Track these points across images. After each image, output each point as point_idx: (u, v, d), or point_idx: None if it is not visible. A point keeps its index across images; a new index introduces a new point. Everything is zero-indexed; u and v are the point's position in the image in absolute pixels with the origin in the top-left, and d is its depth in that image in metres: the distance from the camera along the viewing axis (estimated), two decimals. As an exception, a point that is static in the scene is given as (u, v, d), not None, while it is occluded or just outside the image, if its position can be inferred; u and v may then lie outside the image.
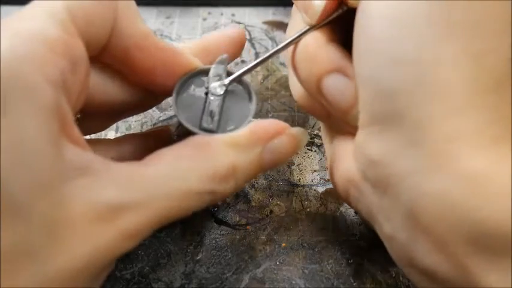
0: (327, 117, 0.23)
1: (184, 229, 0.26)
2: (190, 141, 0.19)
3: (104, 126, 0.25)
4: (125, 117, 0.27)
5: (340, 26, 0.22)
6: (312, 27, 0.21)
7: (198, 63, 0.22)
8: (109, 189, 0.16)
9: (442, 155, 0.16)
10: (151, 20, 0.38)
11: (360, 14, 0.19)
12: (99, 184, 0.16)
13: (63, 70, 0.16)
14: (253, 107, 0.22)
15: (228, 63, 0.23)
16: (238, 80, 0.23)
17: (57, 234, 0.14)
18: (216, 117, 0.21)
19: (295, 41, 0.22)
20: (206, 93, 0.22)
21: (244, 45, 0.25)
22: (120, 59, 0.20)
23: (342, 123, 0.22)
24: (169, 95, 0.22)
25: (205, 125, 0.21)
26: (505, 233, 0.14)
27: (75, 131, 0.17)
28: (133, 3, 0.20)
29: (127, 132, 0.31)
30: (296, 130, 0.21)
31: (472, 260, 0.15)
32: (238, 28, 0.25)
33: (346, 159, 0.21)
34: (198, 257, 0.25)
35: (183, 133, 0.21)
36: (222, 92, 0.22)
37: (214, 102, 0.22)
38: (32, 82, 0.15)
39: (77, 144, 0.16)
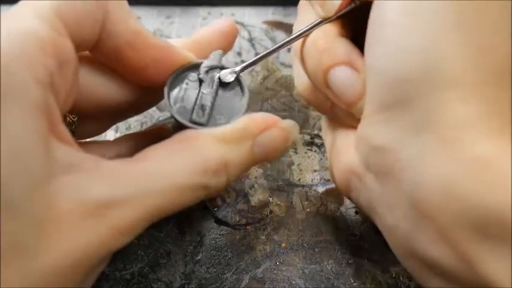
0: (329, 110, 0.23)
1: (184, 229, 0.26)
2: (180, 136, 0.19)
3: (103, 129, 0.25)
4: (124, 119, 0.27)
5: (349, 22, 0.22)
6: (324, 21, 0.22)
7: (191, 58, 0.22)
8: (98, 185, 0.16)
9: (449, 141, 0.16)
10: (151, 20, 0.38)
11: (375, 3, 0.19)
12: (88, 181, 0.16)
13: (52, 69, 0.16)
14: (245, 101, 0.22)
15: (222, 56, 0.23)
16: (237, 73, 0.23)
17: (45, 231, 0.14)
18: (207, 111, 0.21)
19: (307, 33, 0.22)
20: (200, 82, 0.22)
21: (236, 36, 0.25)
22: (113, 57, 0.20)
23: (345, 116, 0.22)
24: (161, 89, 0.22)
25: (195, 118, 0.21)
26: (509, 221, 0.14)
27: (63, 129, 0.17)
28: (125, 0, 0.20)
29: (127, 132, 0.31)
30: (286, 123, 0.21)
31: (476, 248, 0.15)
32: (229, 20, 0.25)
33: (347, 151, 0.21)
34: (198, 257, 0.25)
35: (176, 127, 0.21)
36: (232, 80, 0.22)
37: (206, 96, 0.22)
38: (21, 81, 0.15)
39: (65, 143, 0.16)
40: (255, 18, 0.39)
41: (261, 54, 0.23)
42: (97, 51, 0.19)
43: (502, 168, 0.15)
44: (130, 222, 0.16)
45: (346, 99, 0.21)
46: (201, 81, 0.22)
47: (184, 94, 0.22)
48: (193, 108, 0.21)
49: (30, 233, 0.14)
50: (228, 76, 0.22)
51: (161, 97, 0.25)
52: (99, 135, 0.31)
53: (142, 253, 0.25)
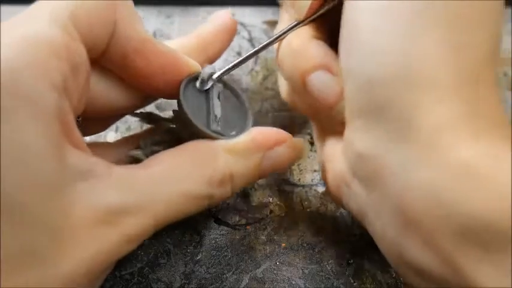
0: (314, 114, 0.23)
1: (184, 229, 0.26)
2: (190, 145, 0.19)
3: (102, 128, 0.25)
4: (122, 117, 0.27)
5: (324, 24, 0.22)
6: (299, 23, 0.21)
7: (196, 66, 0.22)
8: (111, 192, 0.16)
9: (429, 146, 0.16)
10: (151, 20, 0.38)
11: (347, 5, 0.19)
12: (102, 188, 0.16)
13: (66, 74, 0.16)
14: (250, 113, 0.23)
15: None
16: (231, 88, 0.23)
17: (60, 238, 0.14)
18: (221, 122, 0.21)
19: (282, 37, 0.22)
20: (206, 92, 0.22)
21: (236, 28, 0.25)
22: (119, 64, 0.20)
23: (330, 120, 0.22)
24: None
25: (214, 128, 0.21)
26: (494, 226, 0.14)
27: (77, 135, 0.17)
28: (132, 6, 0.20)
29: (127, 133, 0.31)
30: (297, 141, 0.21)
31: (461, 254, 0.15)
32: (228, 15, 0.25)
33: (337, 158, 0.21)
34: (198, 257, 0.25)
35: (188, 135, 0.21)
36: (208, 87, 0.22)
37: (216, 107, 0.22)
38: (35, 87, 0.15)
39: (79, 148, 0.16)
40: (255, 18, 0.39)
41: (237, 61, 0.23)
42: (104, 57, 0.19)
43: (484, 172, 0.15)
44: (139, 230, 0.16)
45: (325, 103, 0.20)
46: (207, 90, 0.22)
47: (194, 104, 0.22)
48: (207, 118, 0.21)
49: (46, 241, 0.14)
50: (207, 83, 0.22)
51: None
52: (99, 135, 0.31)
53: (142, 253, 0.25)
